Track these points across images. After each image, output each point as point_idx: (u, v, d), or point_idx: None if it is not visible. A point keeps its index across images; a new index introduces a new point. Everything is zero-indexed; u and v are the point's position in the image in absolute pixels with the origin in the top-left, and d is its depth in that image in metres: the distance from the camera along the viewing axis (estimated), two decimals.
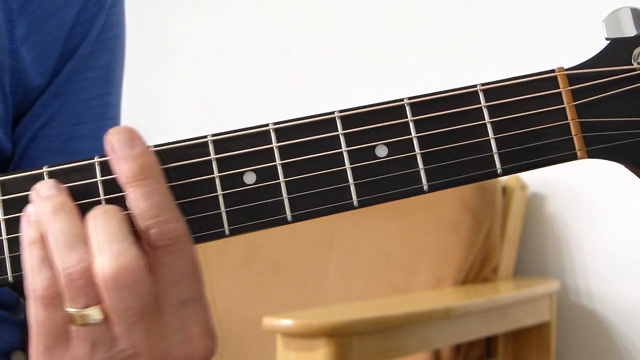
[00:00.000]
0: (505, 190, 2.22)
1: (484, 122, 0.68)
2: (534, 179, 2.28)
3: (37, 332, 0.64)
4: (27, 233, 0.64)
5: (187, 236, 0.64)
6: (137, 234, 0.64)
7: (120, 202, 0.66)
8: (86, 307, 0.62)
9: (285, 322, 1.63)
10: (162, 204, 0.63)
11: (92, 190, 0.66)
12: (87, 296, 0.62)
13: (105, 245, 0.62)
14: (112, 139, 0.64)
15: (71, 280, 0.61)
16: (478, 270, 2.17)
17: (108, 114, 0.90)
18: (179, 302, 0.64)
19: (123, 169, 0.64)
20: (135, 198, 0.63)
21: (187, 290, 0.64)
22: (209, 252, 2.34)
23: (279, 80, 2.64)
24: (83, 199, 0.66)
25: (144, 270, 0.62)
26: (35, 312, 0.63)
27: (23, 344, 0.85)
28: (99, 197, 0.66)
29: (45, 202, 0.63)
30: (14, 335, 0.86)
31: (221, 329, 2.30)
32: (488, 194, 2.16)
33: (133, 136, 0.64)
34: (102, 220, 0.63)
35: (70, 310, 0.62)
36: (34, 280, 0.63)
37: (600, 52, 0.68)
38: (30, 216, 0.64)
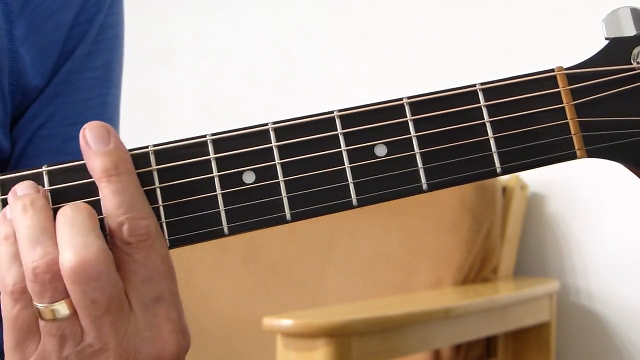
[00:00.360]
0: (505, 190, 2.22)
1: (483, 121, 0.68)
2: (534, 179, 2.28)
3: (8, 327, 0.64)
4: (0, 230, 0.65)
5: (159, 233, 0.65)
6: (109, 234, 0.65)
7: None
8: (53, 301, 0.62)
9: (285, 322, 1.63)
10: (134, 200, 0.64)
11: (91, 189, 0.66)
12: (54, 291, 0.62)
13: (70, 238, 0.62)
14: (87, 134, 0.65)
15: (36, 275, 0.62)
16: (478, 270, 2.17)
17: (106, 114, 0.90)
18: (151, 299, 0.65)
19: (96, 164, 0.65)
20: (108, 193, 0.64)
21: (160, 287, 0.65)
22: (209, 252, 2.34)
23: (279, 80, 2.64)
24: (82, 198, 0.66)
25: (108, 263, 0.62)
26: (6, 308, 0.64)
27: None
28: (98, 196, 0.66)
29: (17, 200, 0.64)
30: None
31: (221, 329, 2.30)
32: (488, 194, 2.16)
33: (108, 132, 0.65)
34: (69, 216, 0.64)
35: (39, 305, 0.63)
36: (6, 276, 0.64)
37: (600, 51, 0.68)
38: (5, 215, 0.65)
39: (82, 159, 0.66)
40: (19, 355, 0.64)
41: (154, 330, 0.65)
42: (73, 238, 0.62)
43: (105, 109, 0.90)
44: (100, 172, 0.64)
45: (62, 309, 0.62)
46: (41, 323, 0.63)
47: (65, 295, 0.62)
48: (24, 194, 0.65)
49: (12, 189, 0.65)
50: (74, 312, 0.63)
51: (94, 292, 0.62)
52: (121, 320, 0.64)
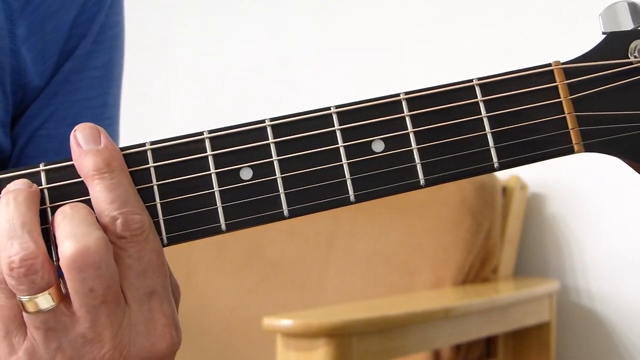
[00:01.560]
0: (505, 190, 2.22)
1: (480, 116, 0.68)
2: (534, 179, 2.28)
3: None
4: None
5: (152, 227, 0.65)
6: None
7: None
8: (32, 294, 0.62)
9: (285, 322, 1.63)
10: (127, 195, 0.65)
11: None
12: (30, 284, 0.62)
13: (70, 229, 0.63)
14: (78, 135, 0.66)
15: (12, 270, 0.62)
16: (478, 270, 2.17)
17: (106, 114, 0.90)
18: (145, 293, 0.65)
19: (89, 163, 0.65)
20: (101, 190, 0.65)
21: (153, 281, 0.65)
22: (209, 252, 2.34)
23: (279, 80, 2.64)
24: (79, 196, 0.66)
25: (108, 252, 0.63)
26: None
27: None
28: None
29: (3, 196, 0.65)
30: None
31: (221, 329, 2.30)
32: (488, 194, 2.16)
33: (98, 132, 0.66)
34: (69, 213, 0.64)
35: (21, 297, 0.63)
36: None
37: (597, 45, 0.68)
38: None
39: None
40: (7, 347, 0.64)
41: (149, 325, 0.65)
42: (73, 229, 0.63)
43: (105, 108, 0.90)
44: (93, 170, 0.65)
45: (45, 301, 0.63)
46: (25, 315, 0.64)
47: (46, 287, 0.63)
48: (12, 189, 0.65)
49: (7, 186, 0.66)
50: (58, 304, 0.63)
51: (92, 280, 0.62)
52: (117, 313, 0.64)
